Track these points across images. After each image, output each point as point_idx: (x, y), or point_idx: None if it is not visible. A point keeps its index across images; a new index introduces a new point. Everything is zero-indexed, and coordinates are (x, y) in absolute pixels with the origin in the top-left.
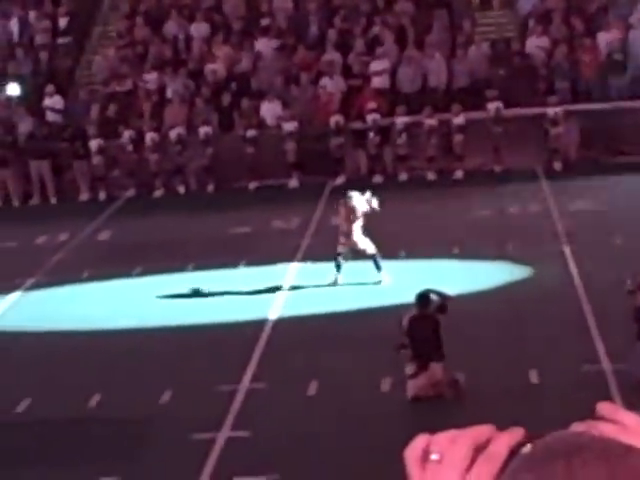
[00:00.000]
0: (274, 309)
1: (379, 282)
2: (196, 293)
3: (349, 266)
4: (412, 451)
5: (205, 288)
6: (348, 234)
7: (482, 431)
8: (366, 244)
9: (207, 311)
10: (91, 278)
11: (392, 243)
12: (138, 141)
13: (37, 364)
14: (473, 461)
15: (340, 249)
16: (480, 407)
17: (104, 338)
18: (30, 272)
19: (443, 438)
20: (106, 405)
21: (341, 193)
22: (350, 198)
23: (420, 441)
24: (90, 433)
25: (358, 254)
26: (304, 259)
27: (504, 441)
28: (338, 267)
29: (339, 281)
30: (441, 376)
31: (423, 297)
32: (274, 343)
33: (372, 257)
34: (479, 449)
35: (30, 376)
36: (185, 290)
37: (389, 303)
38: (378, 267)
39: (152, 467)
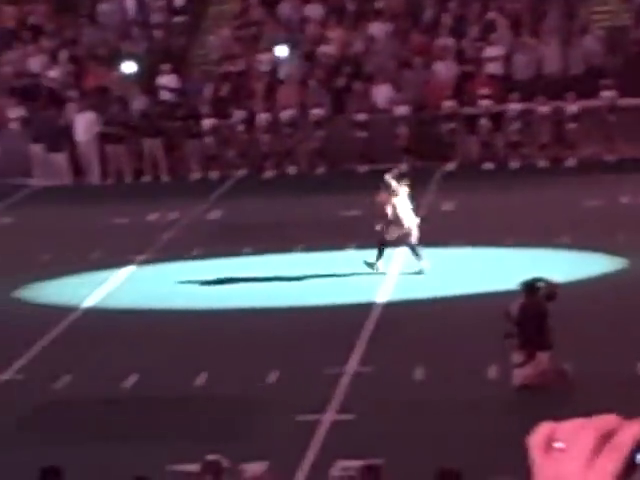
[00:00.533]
0: (382, 293)
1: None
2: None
3: (443, 252)
4: (536, 438)
5: (313, 271)
6: (397, 220)
7: (608, 421)
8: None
9: (316, 293)
10: (201, 257)
11: (500, 231)
12: (250, 122)
13: (146, 341)
14: (598, 451)
15: (388, 236)
16: (585, 397)
17: (213, 317)
18: (141, 249)
19: (568, 426)
20: (213, 384)
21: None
22: (390, 183)
23: (544, 429)
24: (196, 411)
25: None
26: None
27: (630, 432)
28: (380, 253)
29: (380, 268)
30: (548, 365)
31: (531, 285)
32: (382, 327)
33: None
34: (604, 439)
35: (138, 352)
36: (295, 272)
37: (495, 289)
38: (417, 255)
39: (257, 447)
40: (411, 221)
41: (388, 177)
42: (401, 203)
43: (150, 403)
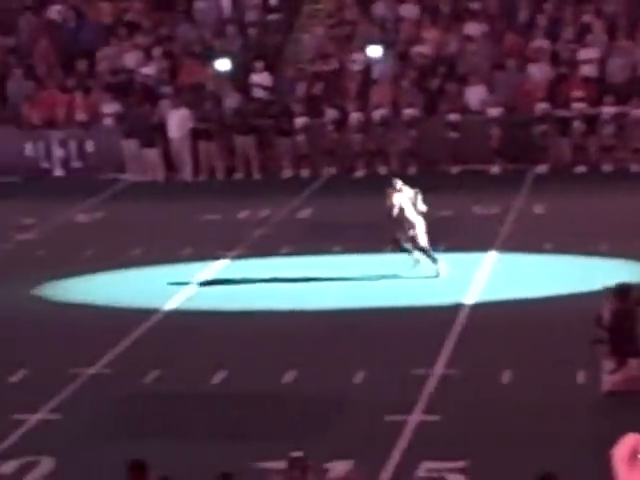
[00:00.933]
0: (471, 295)
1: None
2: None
3: (533, 255)
4: (620, 450)
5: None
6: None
7: None
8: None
9: (405, 294)
10: (290, 254)
11: (591, 236)
12: (342, 121)
13: (234, 338)
14: None
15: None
16: None
17: (303, 315)
18: (231, 246)
19: None
20: (301, 382)
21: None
22: (396, 184)
23: (629, 440)
24: (282, 409)
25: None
26: (503, 247)
27: None
28: (406, 252)
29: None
30: (638, 372)
31: (623, 290)
32: (469, 329)
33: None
34: None
35: (227, 349)
36: (384, 272)
37: (582, 292)
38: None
39: (342, 446)
40: (418, 224)
41: (395, 179)
42: (407, 205)
43: (237, 400)
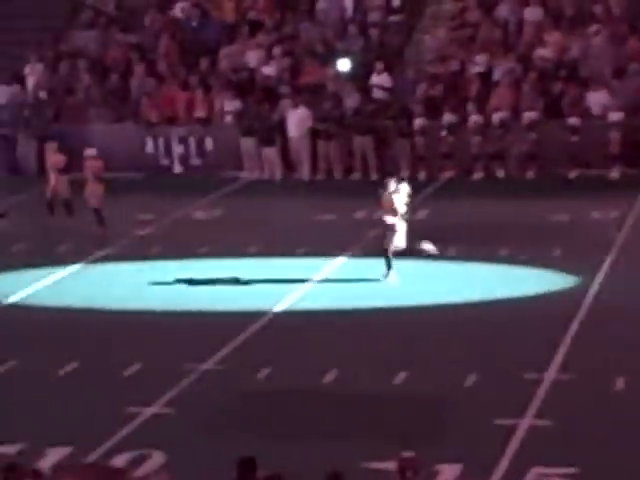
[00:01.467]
0: (584, 301)
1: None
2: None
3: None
4: None
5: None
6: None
7: None
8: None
9: (519, 296)
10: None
11: None
12: (460, 123)
13: (347, 337)
14: None
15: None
16: None
17: (415, 315)
18: (347, 245)
19: None
20: (411, 383)
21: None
22: (389, 184)
23: None
24: (393, 410)
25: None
26: (619, 252)
27: None
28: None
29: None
30: None
31: None
32: (583, 335)
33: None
34: None
35: (337, 347)
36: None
37: None
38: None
39: (452, 448)
40: (400, 227)
41: (388, 180)
42: (400, 207)
43: (348, 399)
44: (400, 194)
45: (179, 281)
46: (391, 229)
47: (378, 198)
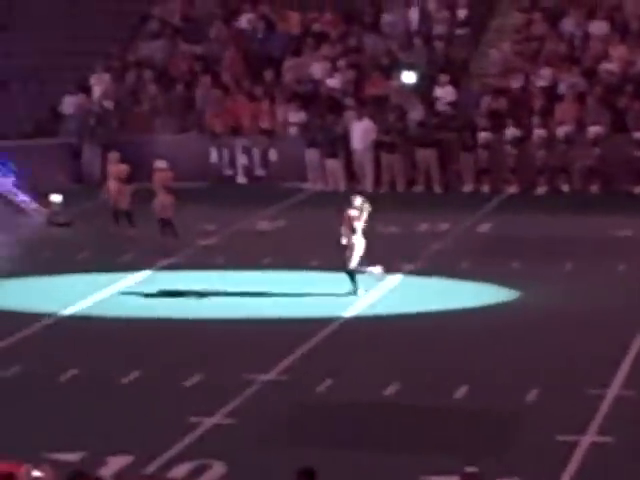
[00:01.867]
0: None
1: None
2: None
3: None
4: None
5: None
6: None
7: None
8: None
9: (583, 312)
10: (468, 270)
11: None
12: (525, 137)
13: (410, 349)
14: None
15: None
16: None
17: (479, 329)
18: (408, 258)
19: None
20: (472, 397)
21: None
22: (355, 201)
23: None
24: (453, 424)
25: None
26: None
27: None
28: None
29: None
30: None
31: None
32: None
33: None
34: None
35: (403, 360)
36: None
37: None
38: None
39: (513, 463)
40: (359, 245)
41: (354, 196)
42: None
43: (409, 412)
44: (363, 212)
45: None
46: (350, 248)
47: (341, 213)
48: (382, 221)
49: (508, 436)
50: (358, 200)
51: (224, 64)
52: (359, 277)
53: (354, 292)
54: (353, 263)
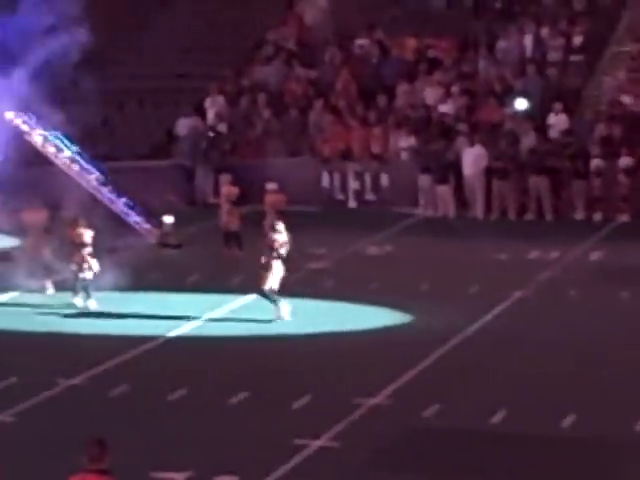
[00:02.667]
0: None
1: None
2: None
3: None
4: None
5: None
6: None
7: None
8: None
9: None
10: (578, 298)
11: None
12: (638, 165)
13: (518, 376)
14: None
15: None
16: None
17: (585, 359)
18: (518, 286)
19: None
20: (580, 426)
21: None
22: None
23: None
24: (561, 453)
25: None
26: None
27: None
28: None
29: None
30: None
31: None
32: None
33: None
34: None
35: (510, 387)
36: None
37: None
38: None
39: None
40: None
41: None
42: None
43: (515, 441)
44: (282, 234)
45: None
46: (265, 268)
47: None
48: (492, 248)
49: (615, 466)
50: (280, 226)
51: (337, 89)
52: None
53: (278, 317)
54: (267, 285)
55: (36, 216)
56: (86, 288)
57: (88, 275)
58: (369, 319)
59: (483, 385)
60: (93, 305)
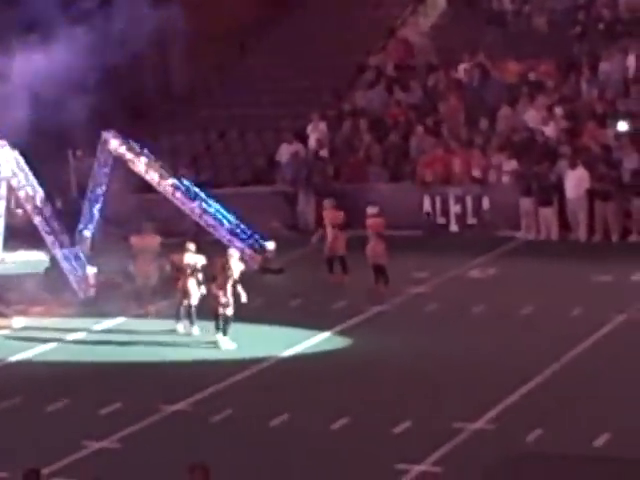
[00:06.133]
0: None
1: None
2: None
3: None
4: None
5: None
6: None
7: None
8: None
9: None
10: None
11: None
12: None
13: (619, 399)
14: None
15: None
16: None
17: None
18: (621, 309)
19: None
20: (615, 445)
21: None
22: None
23: None
24: (596, 473)
25: None
26: None
27: None
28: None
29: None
30: None
31: None
32: None
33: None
34: None
35: (613, 412)
36: None
37: None
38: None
39: None
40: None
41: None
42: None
43: (619, 465)
44: (234, 261)
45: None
46: (214, 297)
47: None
48: (595, 270)
49: None
50: (234, 253)
51: (441, 113)
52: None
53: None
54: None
55: (145, 241)
56: (190, 314)
57: (193, 301)
58: (470, 342)
59: (586, 409)
60: (196, 332)
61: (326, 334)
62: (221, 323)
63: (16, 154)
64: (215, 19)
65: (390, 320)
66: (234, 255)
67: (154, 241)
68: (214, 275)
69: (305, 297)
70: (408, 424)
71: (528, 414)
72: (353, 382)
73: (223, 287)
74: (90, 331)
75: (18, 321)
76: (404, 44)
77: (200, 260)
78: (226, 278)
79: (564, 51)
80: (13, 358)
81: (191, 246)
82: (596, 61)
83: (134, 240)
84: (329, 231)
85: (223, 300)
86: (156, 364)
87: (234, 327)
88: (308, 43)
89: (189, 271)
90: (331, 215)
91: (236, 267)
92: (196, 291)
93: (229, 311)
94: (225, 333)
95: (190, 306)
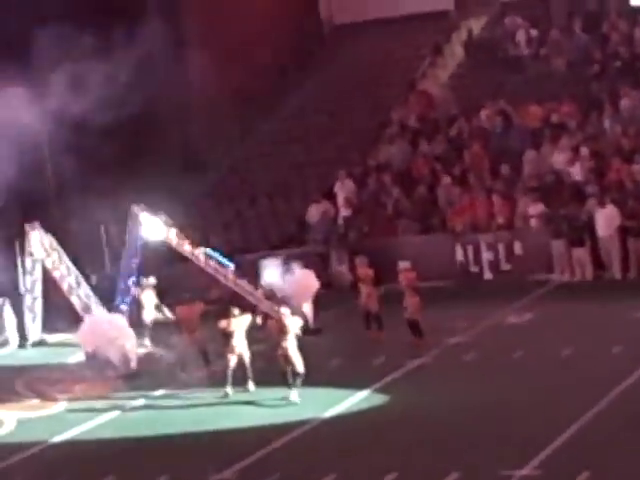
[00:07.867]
0: None
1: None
2: None
3: None
4: None
5: None
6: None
7: None
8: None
9: None
10: None
11: None
12: None
13: None
14: None
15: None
16: None
17: None
18: None
19: None
20: None
21: None
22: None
23: None
24: None
25: None
26: None
27: None
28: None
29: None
30: None
31: None
32: None
33: None
34: None
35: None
36: None
37: None
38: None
39: None
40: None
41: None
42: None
43: None
44: (288, 320)
45: None
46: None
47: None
48: (632, 307)
49: None
50: (285, 311)
51: (464, 161)
52: None
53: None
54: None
55: (189, 310)
56: (245, 373)
57: (246, 360)
58: (513, 388)
59: (631, 448)
60: (252, 387)
61: (366, 392)
62: (292, 379)
63: (49, 236)
64: (238, 82)
65: (429, 372)
66: (286, 313)
67: (195, 309)
68: (276, 339)
69: (344, 355)
70: (456, 475)
71: (575, 457)
72: (396, 439)
73: (287, 345)
74: (132, 406)
75: (61, 401)
76: (425, 96)
77: (247, 320)
78: (286, 335)
79: (584, 90)
80: (57, 438)
81: (235, 311)
82: (616, 98)
83: (177, 310)
84: (363, 289)
85: (293, 359)
86: (199, 434)
87: (276, 391)
88: (331, 101)
89: (240, 333)
90: (363, 273)
91: (292, 324)
92: (247, 351)
93: (299, 367)
94: (296, 387)
95: (245, 366)
